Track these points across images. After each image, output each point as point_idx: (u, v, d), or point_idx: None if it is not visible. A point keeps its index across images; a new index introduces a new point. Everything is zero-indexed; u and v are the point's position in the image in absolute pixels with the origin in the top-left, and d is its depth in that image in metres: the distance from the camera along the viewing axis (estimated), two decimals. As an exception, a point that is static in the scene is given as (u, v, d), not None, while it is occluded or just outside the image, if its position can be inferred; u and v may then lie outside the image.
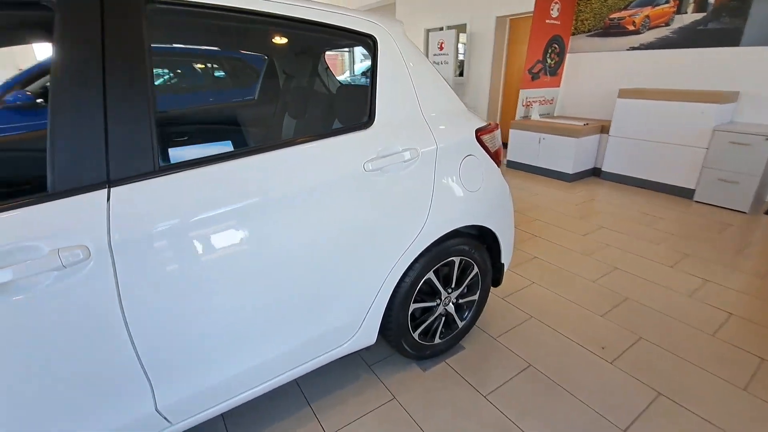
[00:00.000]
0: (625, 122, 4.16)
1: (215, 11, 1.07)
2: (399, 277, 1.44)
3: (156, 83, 1.59)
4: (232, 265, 1.07)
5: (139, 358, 1.00)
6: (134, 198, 0.93)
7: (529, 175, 4.86)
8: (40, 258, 0.83)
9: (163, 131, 1.01)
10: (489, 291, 1.87)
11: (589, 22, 4.69)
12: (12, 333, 0.83)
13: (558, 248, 2.87)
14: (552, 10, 4.53)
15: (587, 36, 4.75)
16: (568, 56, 5.01)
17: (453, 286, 1.69)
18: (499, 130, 1.74)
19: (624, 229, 3.21)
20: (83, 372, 0.93)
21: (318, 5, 1.24)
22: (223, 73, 3.67)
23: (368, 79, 1.33)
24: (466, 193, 1.53)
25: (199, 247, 1.01)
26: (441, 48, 6.41)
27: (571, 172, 4.47)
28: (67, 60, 0.88)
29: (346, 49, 8.66)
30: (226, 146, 1.31)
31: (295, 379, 1.68)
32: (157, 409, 1.07)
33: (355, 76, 8.13)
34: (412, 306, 1.58)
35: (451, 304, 1.74)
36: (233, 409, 1.53)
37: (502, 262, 1.84)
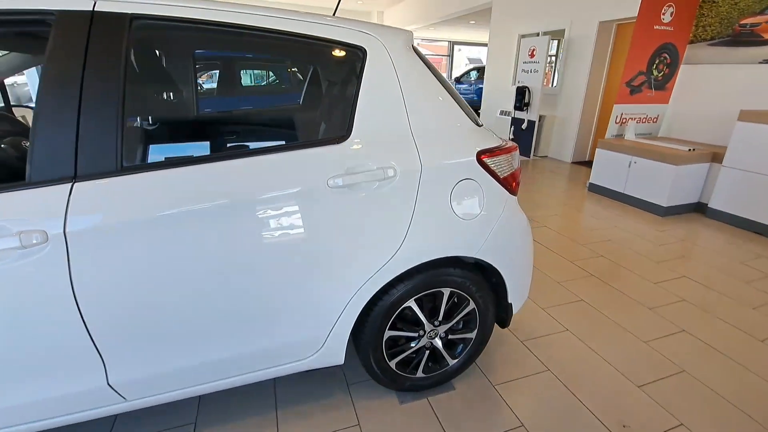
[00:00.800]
0: (744, 151, 3.37)
1: (196, 25, 1.13)
2: (367, 301, 1.36)
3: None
4: (179, 265, 1.12)
5: (90, 336, 1.10)
6: (94, 193, 1.03)
7: (613, 202, 4.24)
8: (7, 237, 0.96)
9: (132, 135, 1.10)
10: (490, 331, 1.67)
11: (713, 28, 3.90)
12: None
13: (615, 294, 2.44)
14: (663, 15, 3.88)
15: (709, 45, 3.96)
16: (681, 68, 4.24)
17: (440, 318, 1.55)
18: (515, 152, 1.53)
19: (714, 282, 2.60)
20: (41, 341, 1.06)
21: (303, 16, 1.23)
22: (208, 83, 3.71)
23: (353, 92, 1.28)
24: (458, 221, 1.38)
25: (150, 245, 1.08)
26: (531, 55, 5.96)
27: (664, 204, 3.78)
28: (54, 70, 1.00)
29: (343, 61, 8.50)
30: (200, 151, 1.38)
31: (275, 380, 1.71)
32: (109, 383, 1.17)
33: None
34: (389, 332, 1.48)
35: (438, 338, 1.59)
36: (208, 395, 1.61)
37: (509, 302, 1.63)
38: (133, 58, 1.09)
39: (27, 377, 1.08)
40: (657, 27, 3.91)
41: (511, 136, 6.66)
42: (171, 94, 1.29)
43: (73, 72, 1.01)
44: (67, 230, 1.00)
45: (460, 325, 1.63)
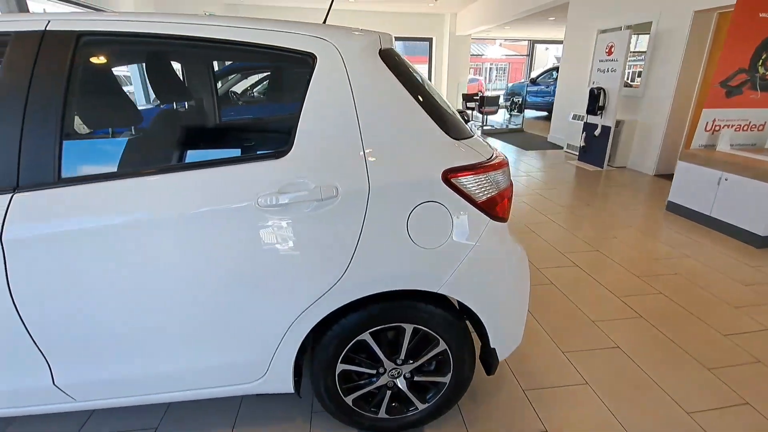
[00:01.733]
0: None
1: (141, 39, 1.12)
2: (311, 328, 1.24)
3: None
4: (111, 278, 1.11)
5: (33, 339, 1.15)
6: (31, 203, 1.06)
7: (695, 226, 3.54)
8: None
9: (71, 148, 1.12)
10: (469, 376, 1.43)
11: None
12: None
13: (665, 344, 1.99)
14: (775, -3, 3.13)
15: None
16: (802, 63, 3.38)
17: (402, 357, 1.36)
18: (503, 169, 1.28)
19: (816, 344, 1.99)
20: (-13, 340, 1.13)
21: (250, 23, 1.15)
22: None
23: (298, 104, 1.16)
24: (417, 249, 1.19)
25: (83, 254, 1.08)
26: (609, 53, 5.27)
27: (762, 233, 3.04)
28: (4, 86, 1.06)
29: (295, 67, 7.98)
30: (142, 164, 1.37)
31: (242, 396, 1.67)
32: (55, 384, 1.22)
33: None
34: (342, 365, 1.34)
35: (403, 378, 1.41)
36: (176, 403, 1.63)
37: (493, 347, 1.38)
38: (80, 72, 1.11)
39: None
40: (763, 14, 3.16)
41: (582, 143, 5.98)
42: (119, 106, 1.31)
43: (20, 88, 1.05)
44: (4, 238, 1.04)
45: (431, 367, 1.43)
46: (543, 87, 11.41)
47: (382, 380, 1.40)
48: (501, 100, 11.14)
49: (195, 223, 1.10)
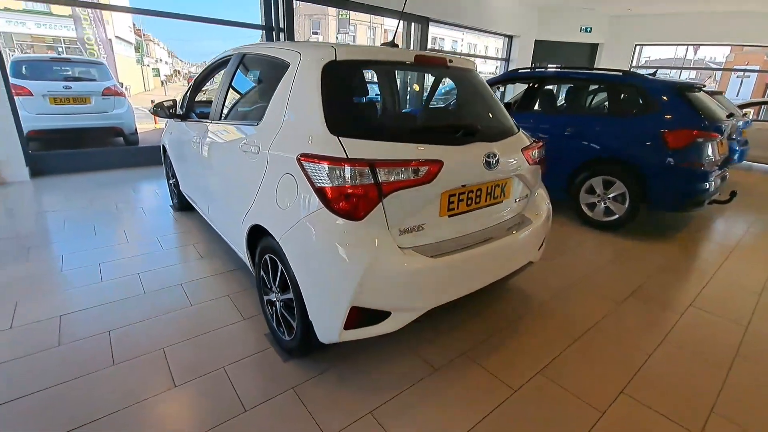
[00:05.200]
0: None
1: None
2: (246, 230, 1.94)
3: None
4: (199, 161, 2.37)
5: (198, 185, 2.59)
6: (215, 127, 2.42)
7: None
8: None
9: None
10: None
11: None
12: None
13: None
14: None
15: None
16: None
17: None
18: (349, 168, 1.41)
19: None
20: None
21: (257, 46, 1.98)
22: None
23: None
24: (275, 205, 1.66)
25: (219, 147, 2.35)
26: None
27: None
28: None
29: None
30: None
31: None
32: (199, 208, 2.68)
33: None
34: (261, 272, 1.95)
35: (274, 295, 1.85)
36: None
37: (310, 319, 1.59)
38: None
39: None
40: None
41: None
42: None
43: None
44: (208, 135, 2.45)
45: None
46: None
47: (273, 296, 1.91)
48: None
49: (224, 146, 2.10)
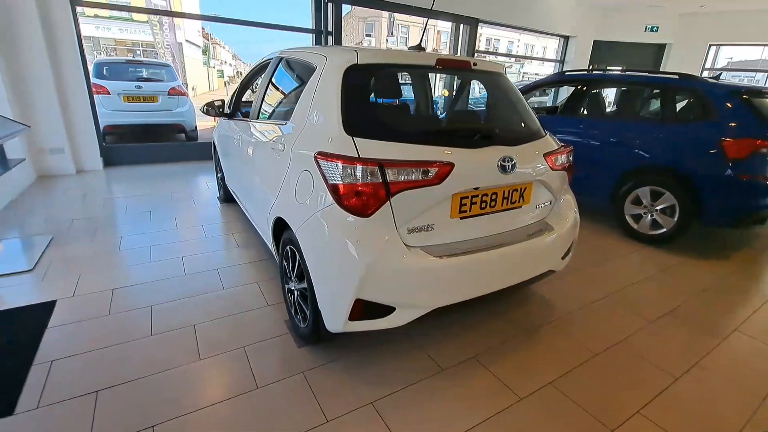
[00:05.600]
0: None
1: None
2: (272, 222, 2.08)
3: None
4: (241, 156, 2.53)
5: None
6: (256, 125, 2.60)
7: None
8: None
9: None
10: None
11: None
12: None
13: None
14: None
15: None
16: None
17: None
18: (358, 166, 1.49)
19: None
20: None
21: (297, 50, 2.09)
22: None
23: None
24: (294, 198, 1.77)
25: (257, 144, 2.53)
26: None
27: None
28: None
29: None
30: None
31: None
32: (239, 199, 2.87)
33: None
34: (283, 262, 2.11)
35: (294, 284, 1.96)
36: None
37: (319, 309, 1.68)
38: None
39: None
40: None
41: None
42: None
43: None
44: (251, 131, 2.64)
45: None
46: None
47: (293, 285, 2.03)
48: None
49: (258, 143, 2.24)
